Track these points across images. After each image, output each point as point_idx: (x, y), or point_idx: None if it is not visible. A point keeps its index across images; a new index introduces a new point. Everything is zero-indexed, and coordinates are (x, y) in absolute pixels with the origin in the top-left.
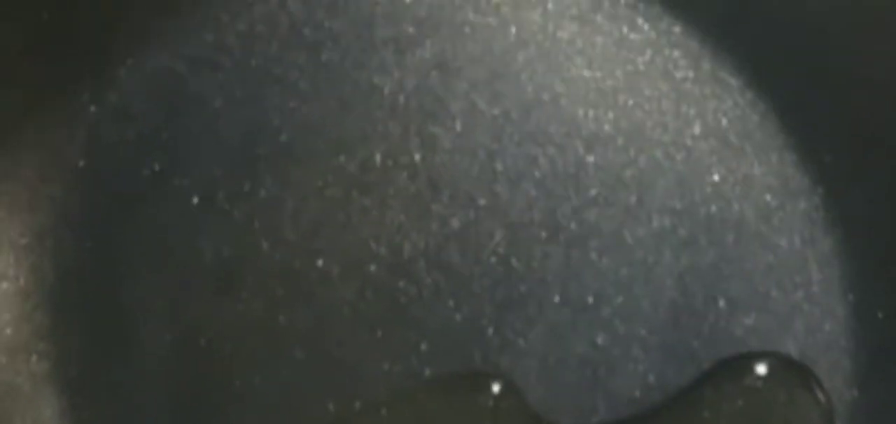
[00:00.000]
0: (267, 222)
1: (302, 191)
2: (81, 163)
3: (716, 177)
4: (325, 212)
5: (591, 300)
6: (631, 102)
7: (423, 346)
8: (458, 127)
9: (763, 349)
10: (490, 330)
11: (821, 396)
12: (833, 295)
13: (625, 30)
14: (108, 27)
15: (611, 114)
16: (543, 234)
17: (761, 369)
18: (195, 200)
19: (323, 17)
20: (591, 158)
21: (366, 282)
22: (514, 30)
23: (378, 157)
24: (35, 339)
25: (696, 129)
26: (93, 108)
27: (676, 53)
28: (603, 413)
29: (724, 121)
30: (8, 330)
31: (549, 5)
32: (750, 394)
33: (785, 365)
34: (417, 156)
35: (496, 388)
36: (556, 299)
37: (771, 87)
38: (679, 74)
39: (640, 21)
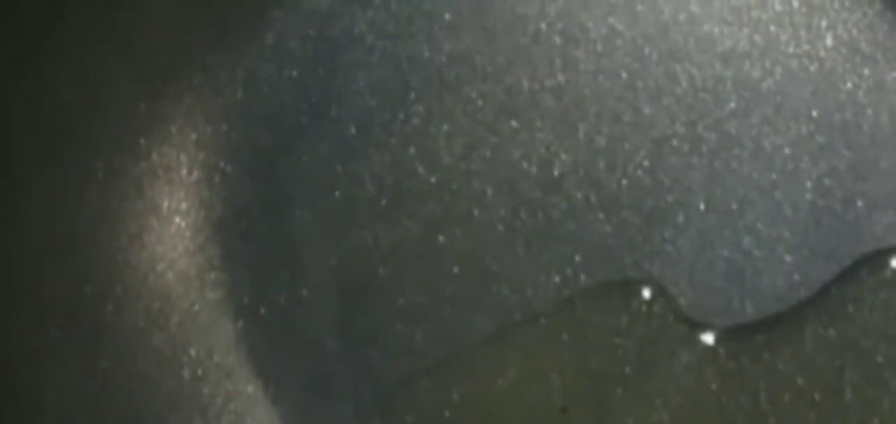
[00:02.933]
0: (422, 148)
1: (454, 118)
2: (244, 102)
3: (849, 85)
4: (476, 136)
5: (734, 206)
6: (764, 18)
7: (577, 257)
8: (599, 49)
9: None
10: (640, 239)
11: None
12: None
13: None
14: None
15: (745, 31)
16: (686, 147)
17: None
18: (353, 131)
19: None
20: (728, 73)
21: (519, 200)
22: None
23: (524, 82)
24: (207, 270)
25: (828, 41)
26: (252, 50)
27: None
28: (750, 312)
29: (855, 32)
30: (182, 262)
31: None
32: (890, 286)
33: None
34: (562, 79)
35: (648, 293)
36: (702, 207)
37: None
38: None
39: None
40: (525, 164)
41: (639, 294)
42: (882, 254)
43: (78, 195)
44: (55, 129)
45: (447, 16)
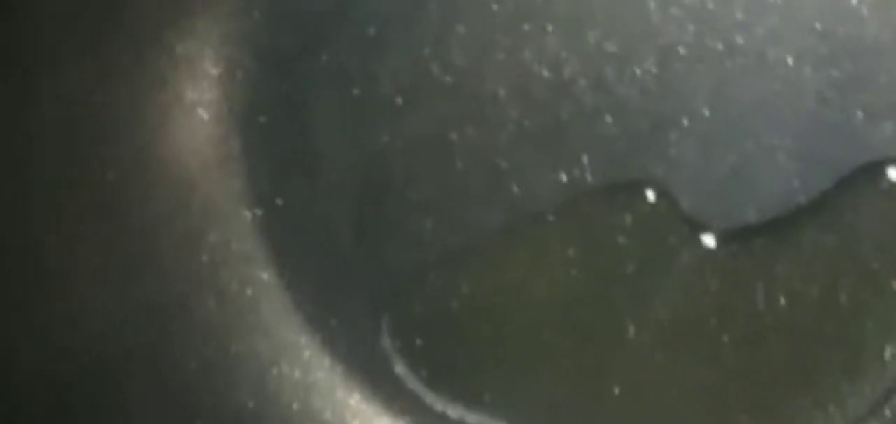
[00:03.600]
0: (437, 49)
1: (469, 20)
2: (266, 3)
3: (853, 1)
4: (491, 38)
5: (738, 113)
6: None
7: (585, 159)
8: None
9: None
10: (645, 143)
11: None
12: None
13: None
14: None
15: None
16: (693, 55)
17: (895, 173)
18: (371, 32)
19: None
20: None
21: (530, 102)
22: None
23: None
24: (228, 160)
25: None
26: None
27: None
28: (750, 216)
29: None
30: (204, 152)
31: None
32: (886, 196)
33: None
34: None
35: (652, 195)
36: (706, 113)
37: None
38: None
39: None
40: (536, 67)
41: (643, 195)
42: (879, 165)
43: (105, 84)
44: (84, 21)
45: None
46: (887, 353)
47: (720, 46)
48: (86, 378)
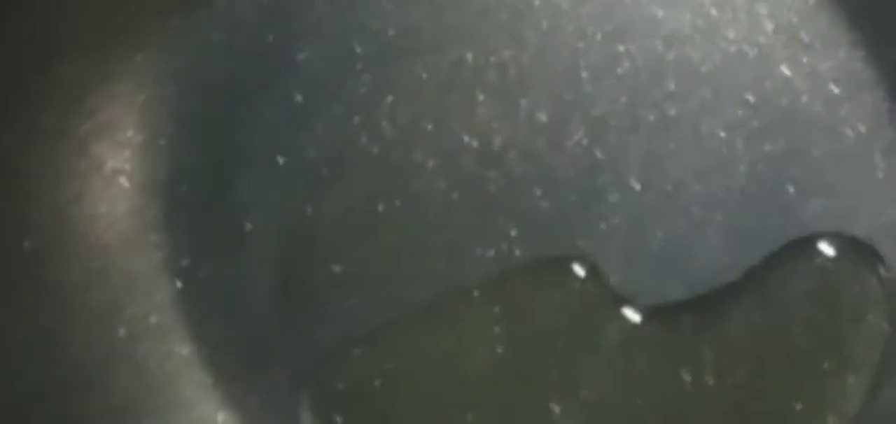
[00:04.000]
0: (365, 118)
1: (398, 89)
2: (193, 66)
3: (787, 72)
4: (420, 108)
5: (669, 187)
6: (706, 2)
7: (513, 232)
8: (545, 26)
9: (830, 231)
10: (575, 216)
11: (885, 273)
12: None
13: None
14: None
15: (688, 15)
16: (625, 126)
17: (828, 249)
18: (299, 99)
19: None
20: (669, 55)
21: (459, 173)
22: None
23: (469, 56)
24: (149, 231)
25: (768, 27)
26: (203, 14)
27: None
28: (680, 292)
29: (795, 19)
30: (123, 223)
31: None
32: (817, 273)
33: (850, 245)
34: (506, 55)
35: (581, 271)
36: (637, 187)
37: None
38: None
39: None
40: (466, 138)
41: (571, 270)
42: (810, 241)
43: (23, 150)
44: (4, 84)
45: None
46: None
47: (652, 118)
48: None
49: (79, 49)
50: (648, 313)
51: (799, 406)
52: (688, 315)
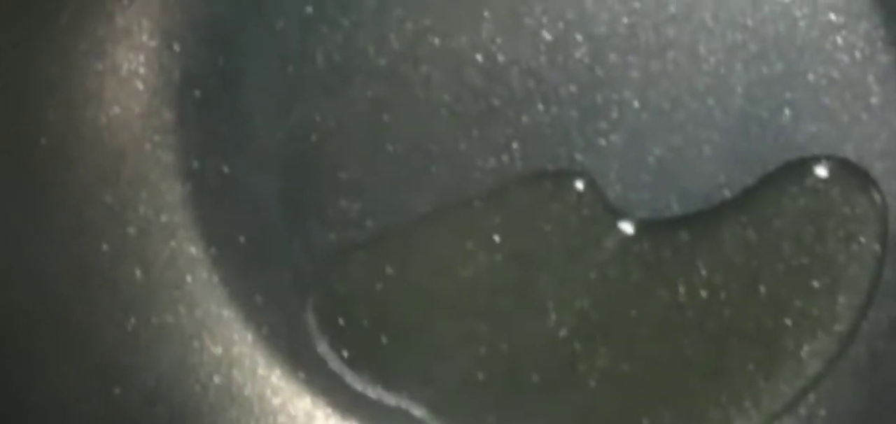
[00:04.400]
0: (374, 30)
1: (406, 3)
2: None
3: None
4: (426, 23)
5: (667, 106)
6: None
7: (515, 145)
8: None
9: (824, 154)
10: (575, 132)
11: (877, 196)
12: (890, 108)
13: None
14: None
15: None
16: (625, 46)
17: (821, 171)
18: (309, 10)
19: None
20: None
21: (463, 86)
22: None
23: None
24: (161, 132)
25: None
26: None
27: None
28: (675, 208)
29: None
30: (136, 123)
31: None
32: (810, 194)
33: (843, 167)
34: None
35: (580, 184)
36: (636, 105)
37: None
38: None
39: None
40: (470, 52)
41: (570, 183)
42: (804, 163)
43: (41, 48)
44: None
45: None
46: (804, 352)
47: (652, 38)
48: (5, 335)
49: None
50: (644, 227)
51: (789, 323)
52: (683, 230)
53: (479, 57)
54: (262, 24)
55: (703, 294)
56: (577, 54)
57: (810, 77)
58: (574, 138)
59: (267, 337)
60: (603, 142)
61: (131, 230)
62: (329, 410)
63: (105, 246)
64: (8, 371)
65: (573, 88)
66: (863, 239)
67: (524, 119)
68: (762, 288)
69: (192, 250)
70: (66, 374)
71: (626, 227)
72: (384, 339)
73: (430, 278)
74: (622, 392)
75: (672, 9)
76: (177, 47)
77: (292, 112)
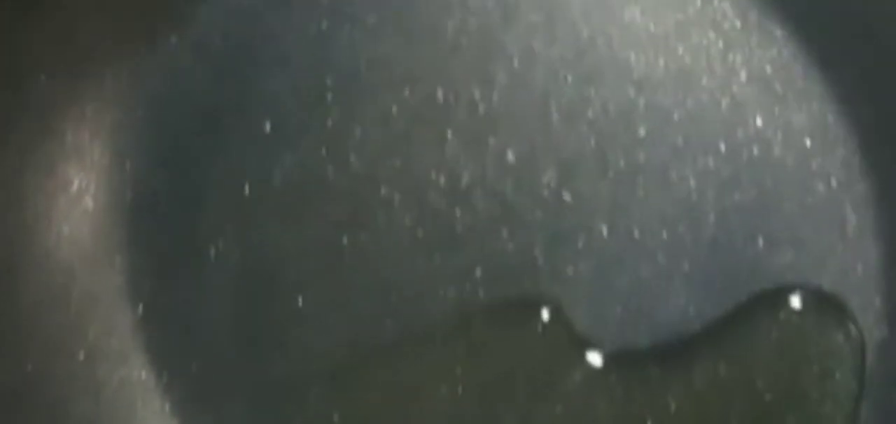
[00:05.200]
0: (334, 150)
1: (367, 123)
2: (161, 92)
3: (759, 122)
4: (388, 142)
5: (637, 234)
6: (680, 49)
7: (478, 272)
8: (516, 66)
9: (798, 284)
10: (541, 259)
11: (853, 330)
12: (866, 238)
13: None
14: None
15: (661, 60)
16: (594, 171)
17: (795, 302)
18: (267, 129)
19: None
20: (641, 100)
21: (425, 210)
22: None
23: (440, 92)
24: (112, 253)
25: (742, 76)
26: (174, 40)
27: (725, 5)
28: (645, 340)
29: (769, 70)
30: (88, 244)
31: None
32: (784, 326)
33: (819, 299)
34: (477, 93)
35: (545, 314)
36: (604, 232)
37: (814, 40)
38: (727, 24)
39: None
40: (433, 175)
41: (536, 313)
42: (778, 293)
43: None
44: None
45: (369, 20)
46: None
47: (622, 162)
48: None
49: (48, 69)
50: (612, 359)
51: None
52: (652, 363)
53: (441, 179)
54: (217, 143)
55: None
56: (544, 178)
57: (785, 205)
58: (540, 266)
59: None
60: (570, 269)
61: (81, 355)
62: None
63: (54, 371)
64: None
65: (539, 213)
66: (838, 376)
67: (488, 245)
68: None
69: (143, 376)
70: None
71: (595, 360)
72: None
73: (390, 413)
74: None
75: (642, 132)
76: (129, 166)
77: (248, 234)
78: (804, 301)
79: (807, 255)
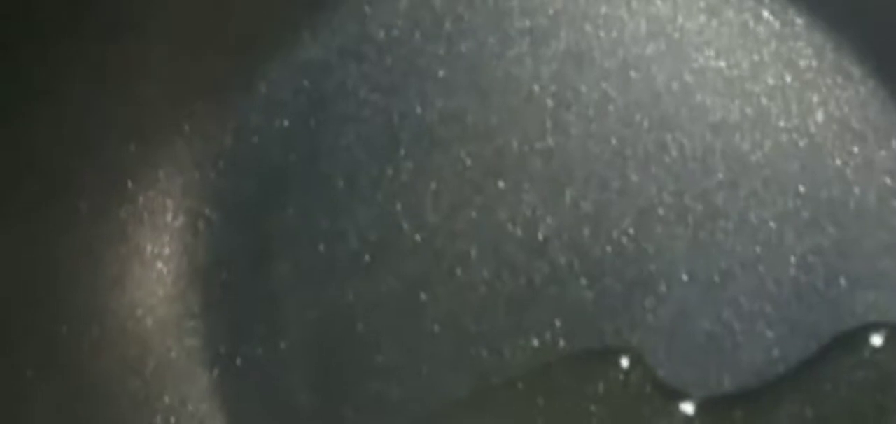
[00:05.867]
0: (408, 205)
1: (442, 176)
2: (232, 150)
3: (838, 162)
4: (463, 195)
5: (717, 278)
6: (756, 90)
7: (557, 323)
8: (591, 114)
9: (881, 322)
10: (620, 307)
11: None
12: None
13: (751, 22)
14: (260, 22)
15: (737, 102)
16: (672, 217)
17: (877, 340)
18: (340, 184)
19: (462, 11)
20: (718, 144)
21: (502, 262)
22: (644, 21)
23: (514, 143)
24: (186, 317)
25: (819, 116)
26: (244, 99)
27: (800, 44)
28: (728, 384)
29: (846, 109)
30: (161, 309)
31: None
32: (868, 366)
33: None
34: (551, 142)
35: (625, 362)
36: (684, 277)
37: (892, 76)
38: (803, 64)
39: (765, 13)
40: (510, 226)
41: (617, 362)
42: (861, 332)
43: (61, 235)
44: (43, 169)
45: (441, 73)
46: None
47: (700, 207)
48: None
49: (118, 134)
50: (697, 406)
51: None
52: (737, 409)
53: (518, 231)
54: (291, 202)
55: None
56: (622, 225)
57: (866, 244)
58: (620, 314)
59: None
60: (651, 317)
61: (158, 420)
62: None
63: None
64: None
65: (618, 262)
66: None
67: (567, 295)
68: None
69: None
70: None
71: (679, 407)
72: None
73: None
74: None
75: (720, 176)
76: (201, 227)
77: (325, 292)
78: (886, 337)
79: (890, 293)
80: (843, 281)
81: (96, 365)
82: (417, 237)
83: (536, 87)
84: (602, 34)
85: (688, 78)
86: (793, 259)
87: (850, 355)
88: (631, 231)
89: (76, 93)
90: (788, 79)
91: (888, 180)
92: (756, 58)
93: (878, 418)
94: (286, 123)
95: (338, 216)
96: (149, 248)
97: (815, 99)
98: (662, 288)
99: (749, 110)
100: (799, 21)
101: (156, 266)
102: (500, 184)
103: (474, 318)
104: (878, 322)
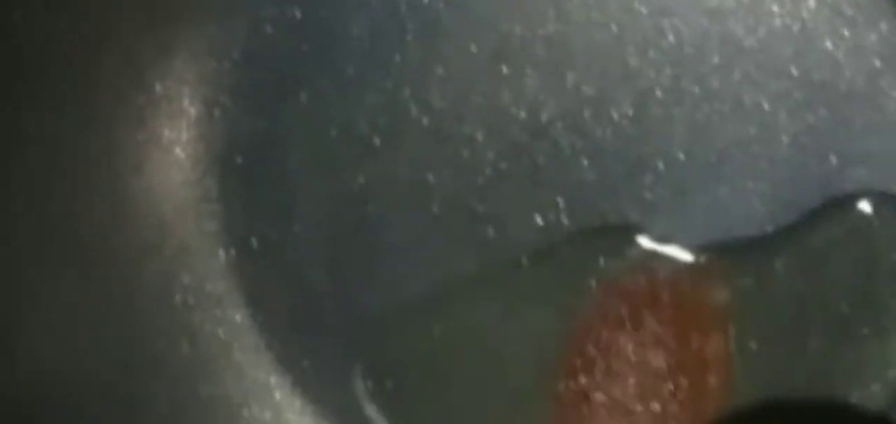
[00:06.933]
0: (416, 91)
1: (448, 62)
2: (246, 40)
3: (829, 45)
4: (469, 80)
5: (713, 158)
6: None
7: (560, 201)
8: (591, 1)
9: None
10: (621, 186)
11: None
12: None
13: None
14: None
15: None
16: (670, 99)
17: (866, 206)
18: (350, 72)
19: None
20: (714, 29)
21: (507, 144)
22: None
23: (517, 30)
24: (203, 201)
25: (811, 2)
26: None
27: None
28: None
29: None
30: (179, 193)
31: None
32: (857, 236)
33: (889, 202)
34: (553, 29)
35: (626, 238)
36: (682, 157)
37: None
38: None
39: None
40: (514, 110)
41: (617, 238)
42: (850, 199)
43: (81, 123)
44: (61, 59)
45: None
46: (854, 398)
47: (696, 90)
48: (54, 411)
49: (134, 25)
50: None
51: (838, 373)
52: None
53: (522, 114)
54: (303, 89)
55: (753, 345)
56: (621, 108)
57: (856, 123)
58: (620, 192)
59: (315, 402)
60: (649, 195)
61: (177, 300)
62: None
63: (152, 319)
64: None
65: (618, 143)
66: None
67: (569, 175)
68: (812, 340)
69: (238, 318)
70: None
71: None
72: (433, 402)
73: (479, 339)
74: None
75: (715, 60)
76: (217, 114)
77: (336, 176)
78: (876, 208)
79: (879, 170)
80: (834, 159)
81: (118, 249)
82: (425, 121)
83: None
84: None
85: None
86: (785, 139)
87: (840, 223)
88: (630, 113)
89: None
90: None
91: (877, 62)
92: None
93: (869, 285)
94: (299, 14)
95: (348, 103)
96: (166, 135)
97: None
98: (661, 166)
99: None
100: None
101: (174, 152)
102: (505, 69)
103: (480, 199)
104: (866, 192)
